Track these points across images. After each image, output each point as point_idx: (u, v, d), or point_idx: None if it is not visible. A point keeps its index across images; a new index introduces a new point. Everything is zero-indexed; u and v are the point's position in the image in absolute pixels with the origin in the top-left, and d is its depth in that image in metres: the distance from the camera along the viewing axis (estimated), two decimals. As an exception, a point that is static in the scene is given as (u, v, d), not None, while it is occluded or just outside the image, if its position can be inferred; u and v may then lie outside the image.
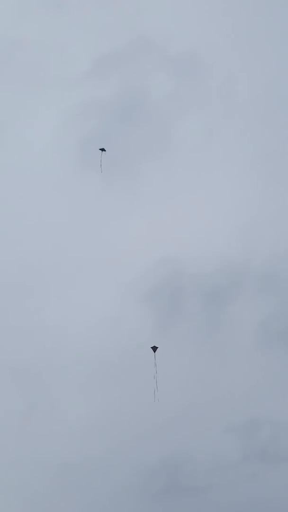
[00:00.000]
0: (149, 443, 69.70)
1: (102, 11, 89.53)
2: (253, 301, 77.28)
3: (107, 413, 71.40)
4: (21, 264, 77.72)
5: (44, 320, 75.51)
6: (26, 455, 69.20)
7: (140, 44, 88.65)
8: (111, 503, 67.87)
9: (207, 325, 76.28)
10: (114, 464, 69.20)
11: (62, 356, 73.60)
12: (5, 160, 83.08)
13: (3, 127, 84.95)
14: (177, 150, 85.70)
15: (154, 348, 65.32)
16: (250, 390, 72.34)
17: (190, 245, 77.93)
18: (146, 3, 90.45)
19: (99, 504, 67.75)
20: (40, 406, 72.26)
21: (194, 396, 71.99)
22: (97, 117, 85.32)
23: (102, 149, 70.43)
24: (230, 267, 78.42)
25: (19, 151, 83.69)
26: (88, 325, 74.75)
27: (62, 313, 76.07)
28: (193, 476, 69.38)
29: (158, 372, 66.08)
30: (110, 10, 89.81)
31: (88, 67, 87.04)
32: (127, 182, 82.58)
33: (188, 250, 77.53)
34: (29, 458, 69.07)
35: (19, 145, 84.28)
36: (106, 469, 69.19)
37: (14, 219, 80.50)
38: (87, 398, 72.32)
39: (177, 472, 69.61)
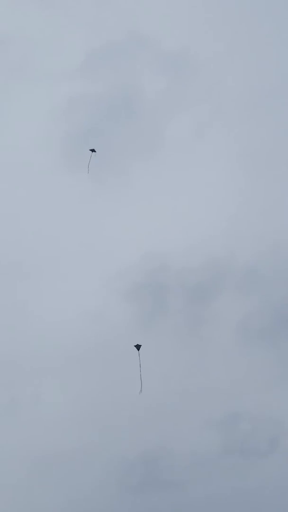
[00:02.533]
0: (129, 437, 69.85)
1: (94, 5, 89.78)
2: (237, 297, 77.59)
3: (88, 406, 71.69)
4: (4, 257, 78.17)
5: (27, 312, 75.75)
6: (4, 447, 69.59)
7: (133, 40, 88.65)
8: (89, 495, 68.08)
9: (190, 320, 76.70)
10: (92, 457, 69.40)
11: (44, 348, 73.76)
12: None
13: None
14: (166, 147, 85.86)
15: (138, 347, 65.36)
16: (232, 385, 72.78)
17: (175, 241, 78.34)
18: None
19: (76, 495, 67.99)
20: (21, 398, 72.42)
21: (175, 390, 72.28)
22: (86, 113, 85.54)
23: (92, 150, 69.55)
24: (214, 264, 78.82)
25: (6, 146, 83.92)
26: (71, 318, 74.93)
27: (44, 305, 76.28)
28: (172, 470, 69.50)
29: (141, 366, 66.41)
30: (103, 4, 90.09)
31: (78, 62, 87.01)
32: (114, 178, 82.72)
33: (173, 246, 77.94)
34: (7, 450, 69.45)
35: (5, 141, 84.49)
36: (85, 462, 69.33)
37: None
38: (68, 391, 72.52)
39: (156, 465, 69.83)
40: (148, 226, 79.65)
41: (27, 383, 73.03)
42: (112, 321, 75.02)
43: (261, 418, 71.44)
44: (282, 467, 69.08)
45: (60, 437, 70.18)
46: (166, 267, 78.54)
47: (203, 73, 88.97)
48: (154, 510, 67.91)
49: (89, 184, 77.58)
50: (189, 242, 78.21)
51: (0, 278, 77.42)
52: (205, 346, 75.26)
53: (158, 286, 78.32)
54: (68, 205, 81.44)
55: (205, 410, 71.46)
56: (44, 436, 70.17)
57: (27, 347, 73.95)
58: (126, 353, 66.95)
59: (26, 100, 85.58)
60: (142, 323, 75.46)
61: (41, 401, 72.66)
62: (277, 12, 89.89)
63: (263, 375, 73.50)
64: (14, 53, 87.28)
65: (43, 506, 68.06)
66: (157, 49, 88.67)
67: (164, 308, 77.54)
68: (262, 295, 77.95)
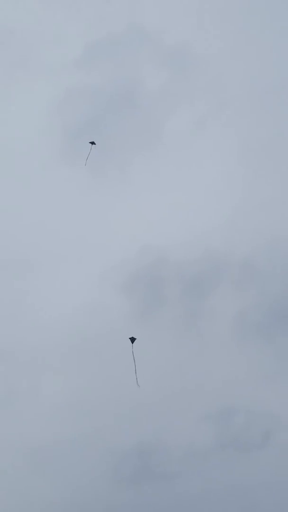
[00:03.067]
0: (124, 429, 70.26)
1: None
2: (234, 291, 77.97)
3: (84, 398, 72.07)
4: (3, 250, 78.47)
5: (25, 304, 76.21)
6: (1, 437, 70.01)
7: (133, 33, 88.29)
8: (85, 486, 68.58)
9: (187, 314, 77.00)
10: (88, 448, 69.80)
11: (42, 340, 74.15)
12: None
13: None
14: (166, 140, 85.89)
15: (132, 339, 65.38)
16: (228, 378, 73.05)
17: (173, 234, 78.61)
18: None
19: (72, 486, 68.54)
20: (18, 390, 72.78)
21: (171, 383, 72.64)
22: (86, 106, 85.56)
23: (92, 143, 69.49)
24: (212, 257, 79.01)
25: (4, 139, 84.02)
26: (69, 310, 75.23)
27: (42, 297, 76.69)
28: (166, 463, 70.00)
29: (136, 359, 66.52)
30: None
31: (78, 54, 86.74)
32: (113, 171, 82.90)
33: (171, 239, 78.17)
34: (3, 441, 69.85)
35: (4, 133, 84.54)
36: (81, 453, 69.72)
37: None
38: (65, 383, 72.93)
39: (151, 458, 70.32)
40: (146, 219, 79.96)
41: (24, 374, 73.49)
42: (110, 313, 75.34)
43: (256, 412, 71.79)
44: (276, 460, 69.37)
45: (56, 428, 70.53)
46: (164, 260, 78.82)
47: (204, 68, 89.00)
48: (148, 501, 68.31)
49: (87, 177, 77.68)
50: (187, 235, 78.36)
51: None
52: (202, 339, 75.54)
53: (156, 279, 78.74)
54: (66, 198, 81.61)
55: (201, 403, 71.85)
56: (40, 428, 70.56)
57: (24, 338, 74.27)
58: (123, 346, 66.96)
59: (25, 92, 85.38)
60: (139, 316, 75.83)
61: (38, 393, 73.02)
62: (280, 8, 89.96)
63: (260, 369, 73.82)
64: (13, 45, 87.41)
65: (39, 495, 68.48)
66: (158, 42, 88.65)
67: (161, 301, 77.91)
68: (260, 290, 78.23)
